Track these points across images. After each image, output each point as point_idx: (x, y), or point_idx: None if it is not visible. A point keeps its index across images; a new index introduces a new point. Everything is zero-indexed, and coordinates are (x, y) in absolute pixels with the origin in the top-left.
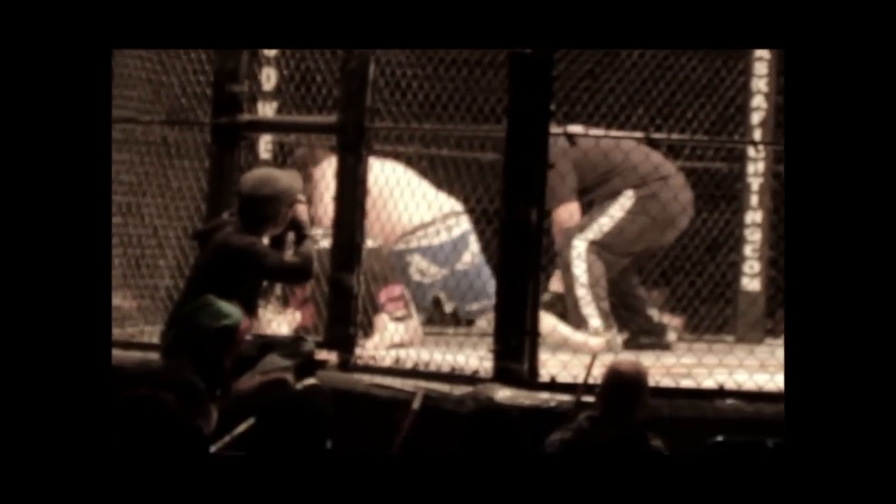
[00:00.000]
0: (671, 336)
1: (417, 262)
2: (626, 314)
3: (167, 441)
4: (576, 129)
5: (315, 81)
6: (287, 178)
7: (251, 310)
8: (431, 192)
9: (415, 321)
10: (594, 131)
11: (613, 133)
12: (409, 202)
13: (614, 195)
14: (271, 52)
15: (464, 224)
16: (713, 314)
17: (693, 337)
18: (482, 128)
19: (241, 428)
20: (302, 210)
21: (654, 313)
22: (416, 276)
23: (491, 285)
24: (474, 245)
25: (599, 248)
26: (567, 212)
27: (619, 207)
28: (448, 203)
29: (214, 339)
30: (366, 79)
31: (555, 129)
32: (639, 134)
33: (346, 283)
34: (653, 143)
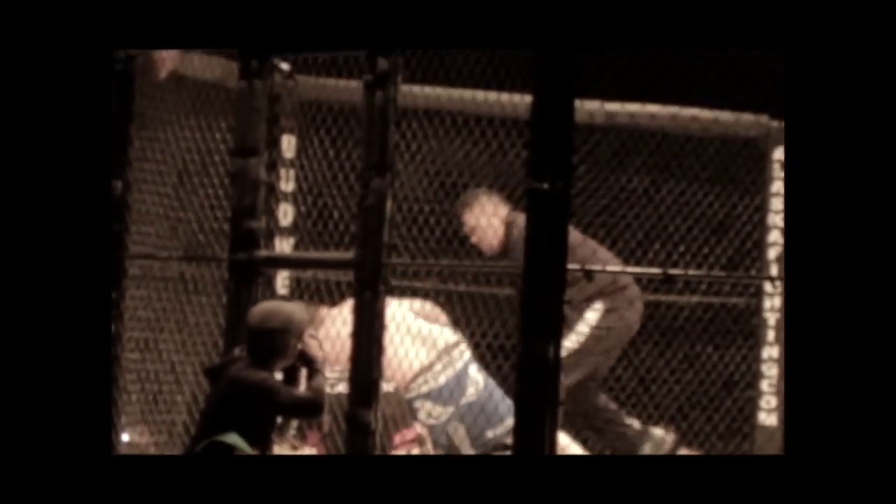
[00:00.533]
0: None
1: (426, 408)
2: (606, 429)
3: None
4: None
5: (332, 217)
6: (295, 310)
7: (265, 445)
8: (426, 329)
9: None
10: (611, 266)
11: (630, 269)
12: (408, 346)
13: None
14: (288, 189)
15: (463, 354)
16: (730, 450)
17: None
18: (499, 264)
19: None
20: (313, 344)
21: (633, 422)
22: (430, 421)
23: (505, 406)
24: (476, 374)
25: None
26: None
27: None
28: (443, 336)
29: None
30: (383, 215)
31: (571, 265)
32: (656, 270)
33: (364, 419)
34: (669, 279)
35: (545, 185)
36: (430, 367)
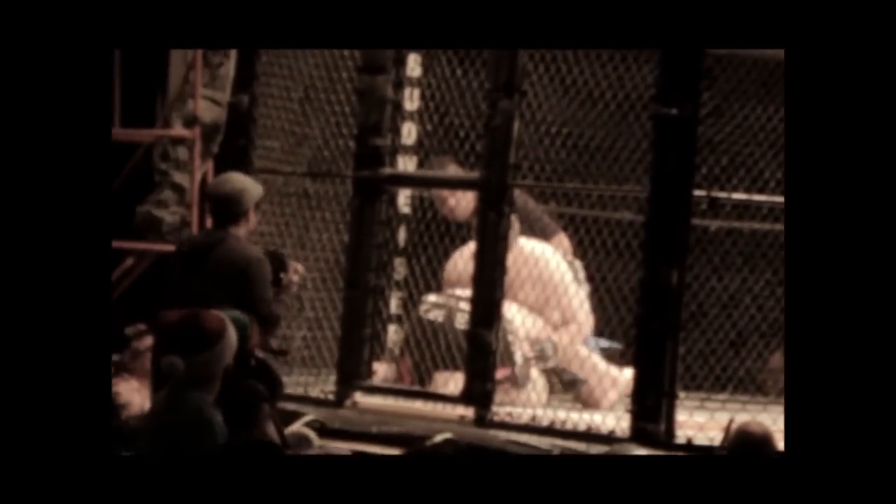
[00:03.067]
0: None
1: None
2: None
3: None
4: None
5: (457, 137)
6: (247, 180)
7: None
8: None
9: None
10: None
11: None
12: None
13: None
14: (413, 107)
15: None
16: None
17: None
18: (624, 188)
19: None
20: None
21: None
22: None
23: None
24: None
25: None
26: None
27: None
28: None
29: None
30: (510, 136)
31: (697, 191)
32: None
33: (485, 339)
34: None
35: (673, 111)
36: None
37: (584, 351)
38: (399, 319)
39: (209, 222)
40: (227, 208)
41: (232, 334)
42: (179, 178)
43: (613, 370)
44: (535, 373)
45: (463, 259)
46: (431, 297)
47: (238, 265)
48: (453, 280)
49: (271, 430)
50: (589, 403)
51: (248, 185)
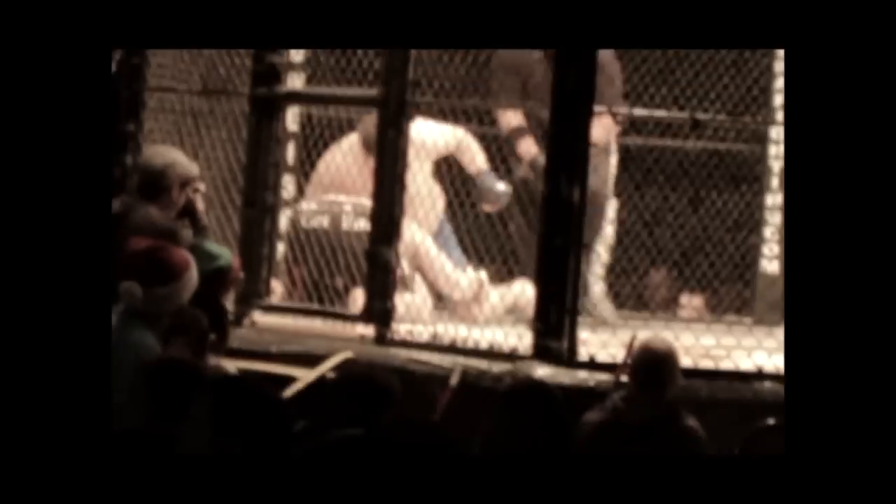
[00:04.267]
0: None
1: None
2: None
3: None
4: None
5: (351, 52)
6: (179, 157)
7: None
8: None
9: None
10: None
11: (658, 113)
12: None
13: None
14: None
15: None
16: (732, 295)
17: (712, 318)
18: (525, 104)
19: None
20: (197, 198)
21: None
22: None
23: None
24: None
25: None
26: (605, 127)
27: None
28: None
29: (210, 280)
30: (408, 52)
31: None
32: (663, 112)
33: (385, 257)
34: (696, 124)
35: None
36: None
37: (432, 249)
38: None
39: None
40: (149, 182)
41: (194, 275)
42: None
43: (460, 276)
44: (419, 282)
45: (335, 163)
46: (309, 205)
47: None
48: (326, 183)
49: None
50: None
51: (177, 161)
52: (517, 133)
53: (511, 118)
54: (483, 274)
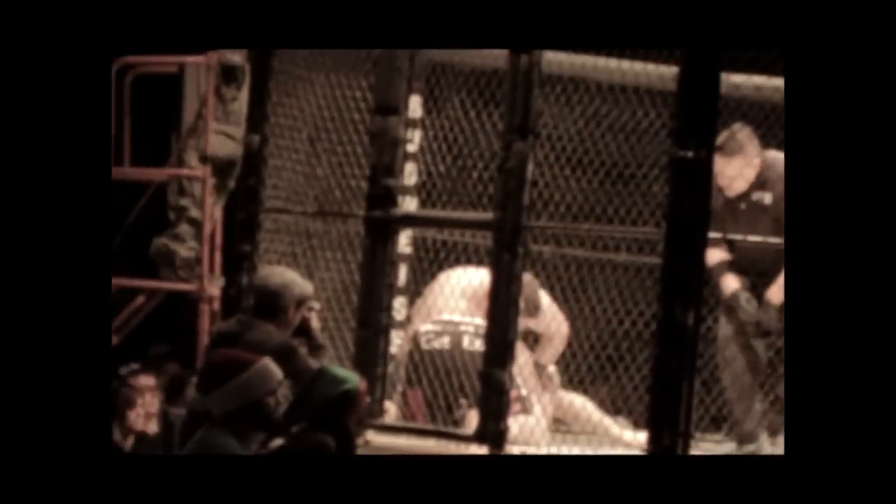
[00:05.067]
0: None
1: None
2: None
3: None
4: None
5: (468, 177)
6: (296, 277)
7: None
8: None
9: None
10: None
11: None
12: None
13: None
14: (413, 148)
15: None
16: None
17: None
18: (641, 230)
19: None
20: (313, 316)
21: None
22: None
23: None
24: None
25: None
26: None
27: None
28: None
29: (337, 404)
30: (524, 177)
31: (713, 234)
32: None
33: (499, 378)
34: None
35: (689, 154)
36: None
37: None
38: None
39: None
40: (265, 302)
41: (261, 375)
42: (196, 212)
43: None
44: (537, 403)
45: (440, 287)
46: (427, 327)
47: (263, 351)
48: (423, 313)
49: None
50: None
51: (293, 282)
52: (718, 270)
53: (712, 253)
54: (554, 370)
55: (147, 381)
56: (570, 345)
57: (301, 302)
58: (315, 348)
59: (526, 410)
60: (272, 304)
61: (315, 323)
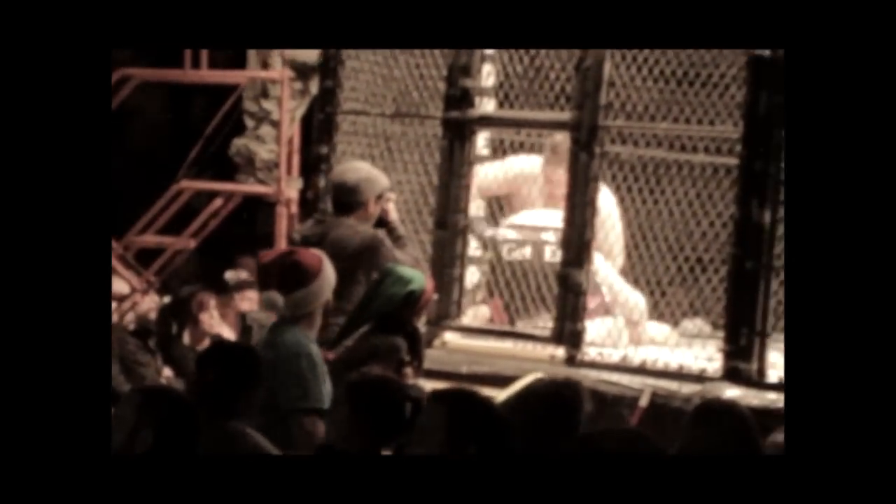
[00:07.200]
0: None
1: None
2: None
3: None
4: None
5: (546, 78)
6: (372, 170)
7: None
8: None
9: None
10: None
11: None
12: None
13: None
14: (491, 50)
15: None
16: None
17: None
18: (717, 129)
19: None
20: (390, 207)
21: None
22: None
23: None
24: None
25: None
26: None
27: None
28: None
29: (404, 304)
30: (601, 77)
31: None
32: None
33: (576, 279)
34: None
35: (766, 53)
36: None
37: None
38: (478, 261)
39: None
40: (344, 197)
41: (329, 273)
42: (279, 115)
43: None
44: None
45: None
46: (510, 235)
47: (350, 246)
48: (484, 188)
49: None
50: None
51: (370, 175)
52: None
53: None
54: (642, 301)
55: (207, 297)
56: (647, 246)
57: (379, 195)
58: (396, 239)
59: (608, 312)
60: (351, 199)
61: (394, 214)
